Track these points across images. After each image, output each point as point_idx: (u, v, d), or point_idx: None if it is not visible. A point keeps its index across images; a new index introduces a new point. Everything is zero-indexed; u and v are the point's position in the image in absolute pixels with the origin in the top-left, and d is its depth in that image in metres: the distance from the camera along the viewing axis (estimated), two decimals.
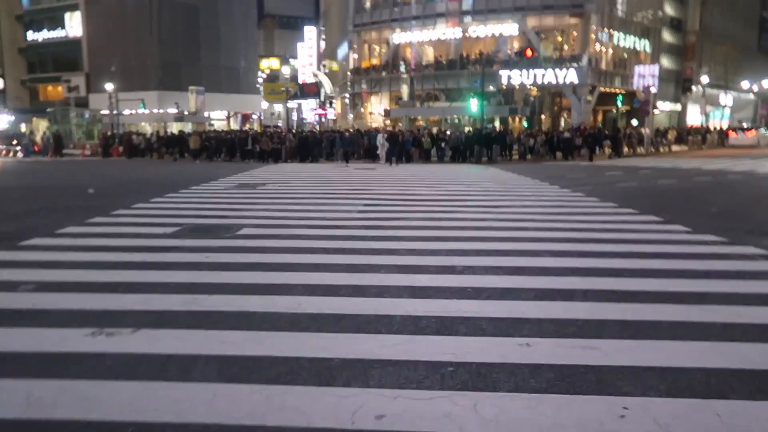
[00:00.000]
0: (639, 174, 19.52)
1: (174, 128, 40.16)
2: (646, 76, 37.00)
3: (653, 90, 35.37)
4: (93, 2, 50.00)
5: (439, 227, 9.27)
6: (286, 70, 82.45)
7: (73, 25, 53.61)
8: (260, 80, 59.23)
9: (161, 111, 44.13)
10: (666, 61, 50.04)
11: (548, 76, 38.60)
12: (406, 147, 25.00)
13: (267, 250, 7.59)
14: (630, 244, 7.96)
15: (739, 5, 61.21)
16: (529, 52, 27.81)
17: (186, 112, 43.38)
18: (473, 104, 30.13)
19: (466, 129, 33.70)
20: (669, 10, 50.08)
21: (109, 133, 35.66)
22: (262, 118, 58.66)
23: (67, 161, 29.85)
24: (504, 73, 38.92)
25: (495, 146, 26.70)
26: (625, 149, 30.39)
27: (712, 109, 48.06)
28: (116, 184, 17.10)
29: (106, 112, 41.31)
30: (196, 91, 43.20)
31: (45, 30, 54.45)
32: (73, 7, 52.79)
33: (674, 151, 36.58)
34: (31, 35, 54.85)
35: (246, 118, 56.28)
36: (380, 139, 24.15)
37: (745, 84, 53.27)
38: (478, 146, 26.53)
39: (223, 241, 8.20)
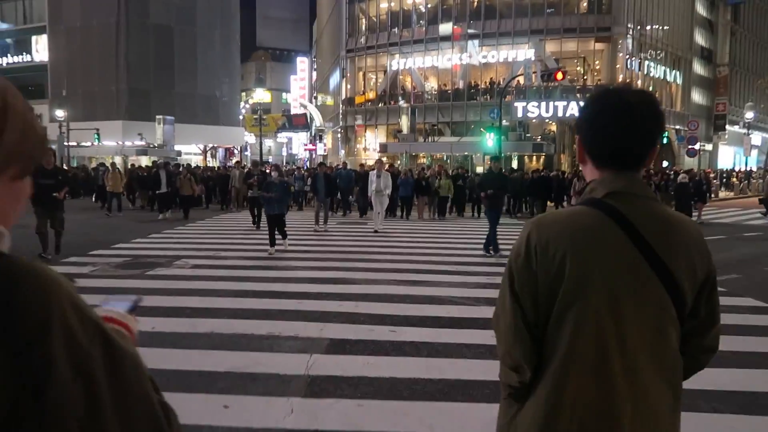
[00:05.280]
0: None
1: (144, 162, 34.20)
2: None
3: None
4: (58, 24, 44.87)
5: None
6: (278, 104, 77.69)
7: (39, 50, 48.82)
8: (244, 111, 53.84)
9: (123, 143, 38.42)
10: (696, 95, 44.88)
11: (571, 108, 33.10)
12: (402, 194, 17.27)
13: None
14: None
15: (767, 40, 56.63)
16: (560, 75, 22.30)
17: (152, 145, 37.63)
18: (489, 139, 24.51)
19: (479, 169, 27.99)
20: (699, 39, 45.18)
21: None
22: (248, 153, 53.13)
23: None
24: (519, 105, 33.51)
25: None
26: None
27: (754, 151, 42.64)
28: None
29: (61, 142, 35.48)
30: (163, 121, 37.50)
31: (9, 55, 49.55)
32: (39, 30, 47.91)
33: (725, 198, 30.85)
34: None
35: (230, 152, 50.69)
36: (376, 180, 13.57)
37: None
38: (529, 194, 19.08)
39: None
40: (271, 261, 9.30)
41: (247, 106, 63.84)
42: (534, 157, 35.04)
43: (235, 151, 49.21)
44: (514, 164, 32.09)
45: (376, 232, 13.22)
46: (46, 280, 0.73)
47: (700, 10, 45.14)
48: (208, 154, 47.15)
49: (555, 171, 23.79)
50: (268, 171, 13.62)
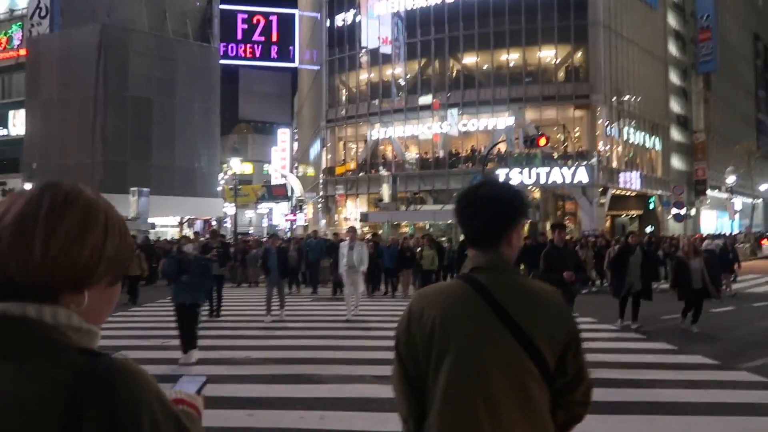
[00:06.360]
0: None
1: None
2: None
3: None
4: (36, 98, 44.50)
5: None
6: (259, 175, 77.46)
7: (16, 124, 48.44)
8: (222, 182, 53.10)
9: None
10: (676, 161, 45.22)
11: (554, 175, 32.80)
12: (385, 265, 15.94)
13: None
14: None
15: (738, 106, 58.13)
16: (543, 141, 21.83)
17: (126, 218, 36.32)
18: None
19: (462, 237, 27.07)
20: (675, 107, 46.03)
21: None
22: (227, 224, 51.97)
23: None
24: (501, 172, 33.08)
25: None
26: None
27: (735, 216, 42.50)
28: None
29: None
30: (138, 193, 36.42)
31: None
32: (17, 105, 47.60)
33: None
34: None
35: (208, 224, 49.47)
36: (347, 253, 11.48)
37: (763, 187, 48.30)
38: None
39: None
40: (222, 351, 8.01)
41: (227, 177, 63.46)
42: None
43: (213, 223, 48.13)
44: None
45: (347, 321, 10.90)
46: (139, 379, 0.85)
47: (674, 78, 46.23)
48: (185, 226, 45.93)
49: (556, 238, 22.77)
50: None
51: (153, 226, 37.18)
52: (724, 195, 46.12)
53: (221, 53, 49.11)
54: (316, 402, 5.55)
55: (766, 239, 37.71)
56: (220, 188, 50.71)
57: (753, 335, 9.68)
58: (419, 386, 1.55)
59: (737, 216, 49.53)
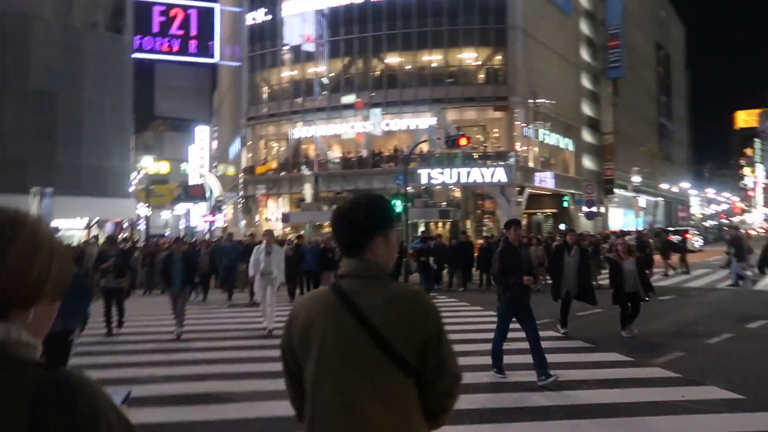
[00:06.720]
0: None
1: None
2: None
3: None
4: None
5: None
6: (177, 174, 74.42)
7: None
8: (135, 182, 50.43)
9: None
10: (587, 161, 47.36)
11: (474, 174, 33.41)
12: (307, 268, 15.60)
13: None
14: None
15: (643, 110, 61.74)
16: (463, 141, 22.10)
17: None
18: (396, 206, 23.67)
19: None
20: (586, 109, 48.19)
21: None
22: (140, 227, 49.39)
23: None
24: (423, 172, 33.36)
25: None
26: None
27: (640, 213, 45.08)
28: None
29: None
30: (40, 193, 33.81)
31: None
32: None
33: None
34: None
35: (120, 226, 46.78)
36: (264, 259, 10.39)
37: (664, 186, 51.49)
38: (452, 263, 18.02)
39: None
40: (123, 370, 7.34)
41: (140, 176, 60.56)
42: (440, 224, 34.75)
43: (125, 225, 45.65)
44: (420, 231, 31.47)
45: (270, 332, 9.75)
46: (95, 389, 0.96)
47: (586, 83, 48.41)
48: (93, 228, 43.21)
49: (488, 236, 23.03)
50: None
51: (57, 229, 34.65)
52: (630, 194, 48.90)
53: (136, 46, 46.60)
54: (224, 426, 5.10)
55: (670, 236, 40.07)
56: (133, 188, 48.14)
57: (662, 330, 10.03)
58: (299, 380, 1.78)
59: (642, 213, 52.66)
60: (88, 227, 42.36)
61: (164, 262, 10.64)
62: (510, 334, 6.94)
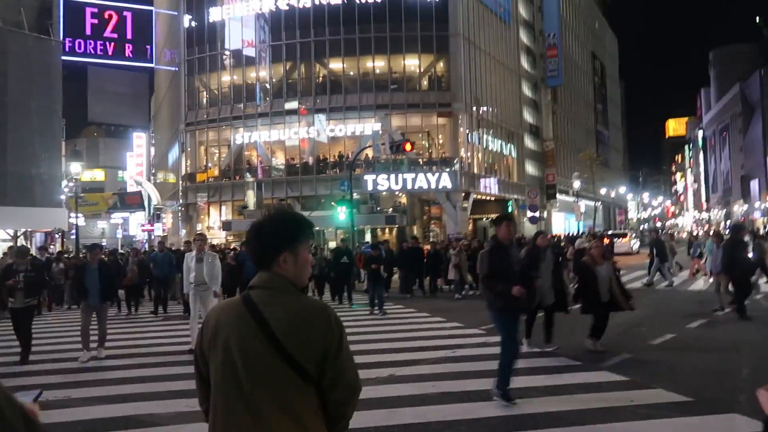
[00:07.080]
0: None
1: None
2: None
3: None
4: None
5: None
6: (113, 182, 71.58)
7: None
8: (66, 190, 47.94)
9: None
10: (530, 167, 48.32)
11: (419, 180, 33.44)
12: (248, 276, 14.95)
13: None
14: None
15: (581, 118, 63.70)
16: (408, 146, 21.94)
17: None
18: (341, 212, 23.28)
19: (332, 244, 26.57)
20: (528, 116, 49.21)
21: None
22: (72, 236, 46.91)
23: None
24: (369, 178, 33.16)
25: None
26: None
27: (581, 217, 46.29)
28: None
29: None
30: None
31: None
32: None
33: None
34: None
35: (51, 237, 44.25)
36: (195, 267, 9.43)
37: (602, 190, 53.16)
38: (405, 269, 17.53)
39: None
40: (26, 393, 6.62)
41: (72, 184, 57.80)
42: (387, 230, 34.54)
43: (56, 236, 43.26)
44: (368, 237, 31.12)
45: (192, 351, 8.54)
46: None
47: (526, 91, 49.46)
48: (20, 239, 40.67)
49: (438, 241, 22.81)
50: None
51: None
52: (571, 198, 50.18)
53: (67, 49, 44.26)
54: None
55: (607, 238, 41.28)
56: (64, 197, 45.72)
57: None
58: (208, 382, 1.88)
59: (582, 217, 54.13)
60: (15, 238, 39.87)
61: (77, 273, 9.57)
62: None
